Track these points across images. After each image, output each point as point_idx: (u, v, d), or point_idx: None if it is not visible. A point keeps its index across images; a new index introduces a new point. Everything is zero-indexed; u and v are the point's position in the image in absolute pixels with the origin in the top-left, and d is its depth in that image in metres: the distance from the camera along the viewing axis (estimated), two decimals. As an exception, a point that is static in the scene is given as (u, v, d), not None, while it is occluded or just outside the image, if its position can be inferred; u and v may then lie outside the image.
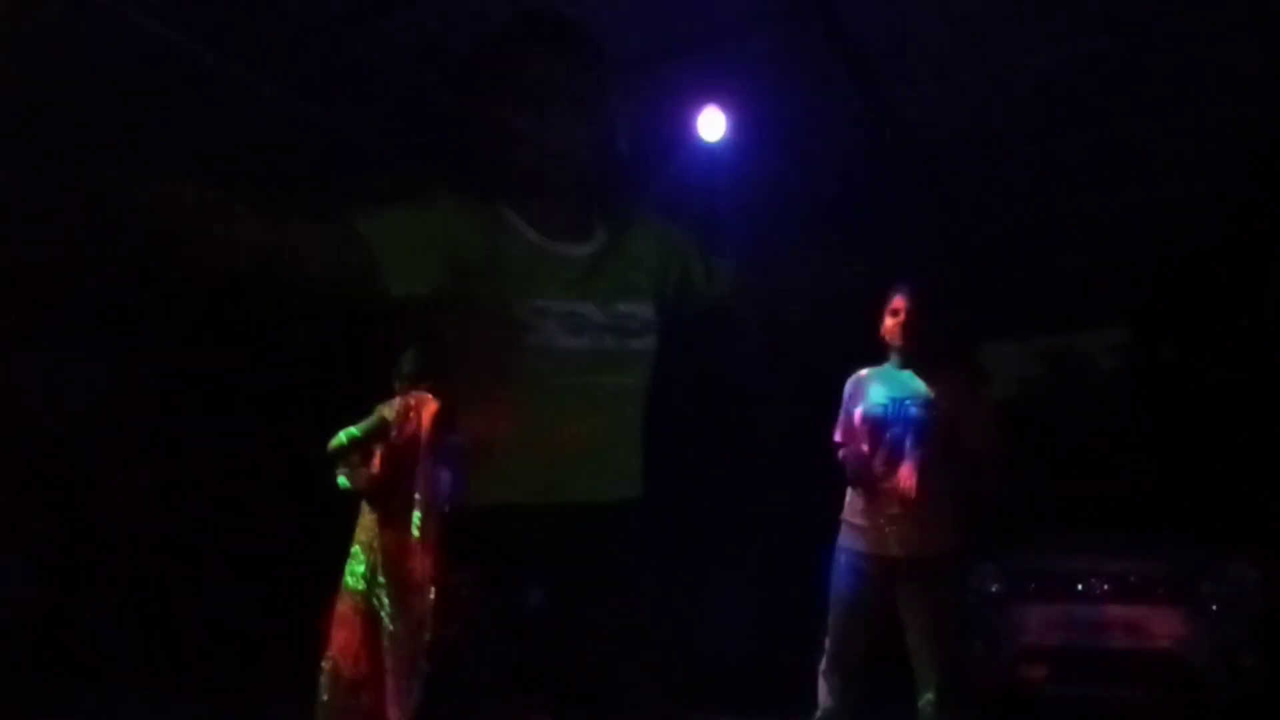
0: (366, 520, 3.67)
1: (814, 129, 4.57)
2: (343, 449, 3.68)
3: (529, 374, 1.39)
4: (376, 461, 3.68)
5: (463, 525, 1.49)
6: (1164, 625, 4.42)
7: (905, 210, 5.52)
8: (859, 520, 3.23)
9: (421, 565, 3.50)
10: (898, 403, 3.23)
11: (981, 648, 4.71)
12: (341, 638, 3.51)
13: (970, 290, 6.49)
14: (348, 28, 3.93)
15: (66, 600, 5.37)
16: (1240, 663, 4.31)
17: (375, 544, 3.57)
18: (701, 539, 6.11)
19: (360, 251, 1.43)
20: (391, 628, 3.44)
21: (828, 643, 3.20)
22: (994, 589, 4.82)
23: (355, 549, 3.63)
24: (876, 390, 3.31)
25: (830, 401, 3.49)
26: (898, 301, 3.35)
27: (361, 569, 3.57)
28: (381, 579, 3.52)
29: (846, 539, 3.25)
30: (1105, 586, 4.57)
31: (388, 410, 3.70)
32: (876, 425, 3.24)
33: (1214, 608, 4.43)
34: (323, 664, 3.49)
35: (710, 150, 4.23)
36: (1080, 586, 4.61)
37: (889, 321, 3.35)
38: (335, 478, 3.77)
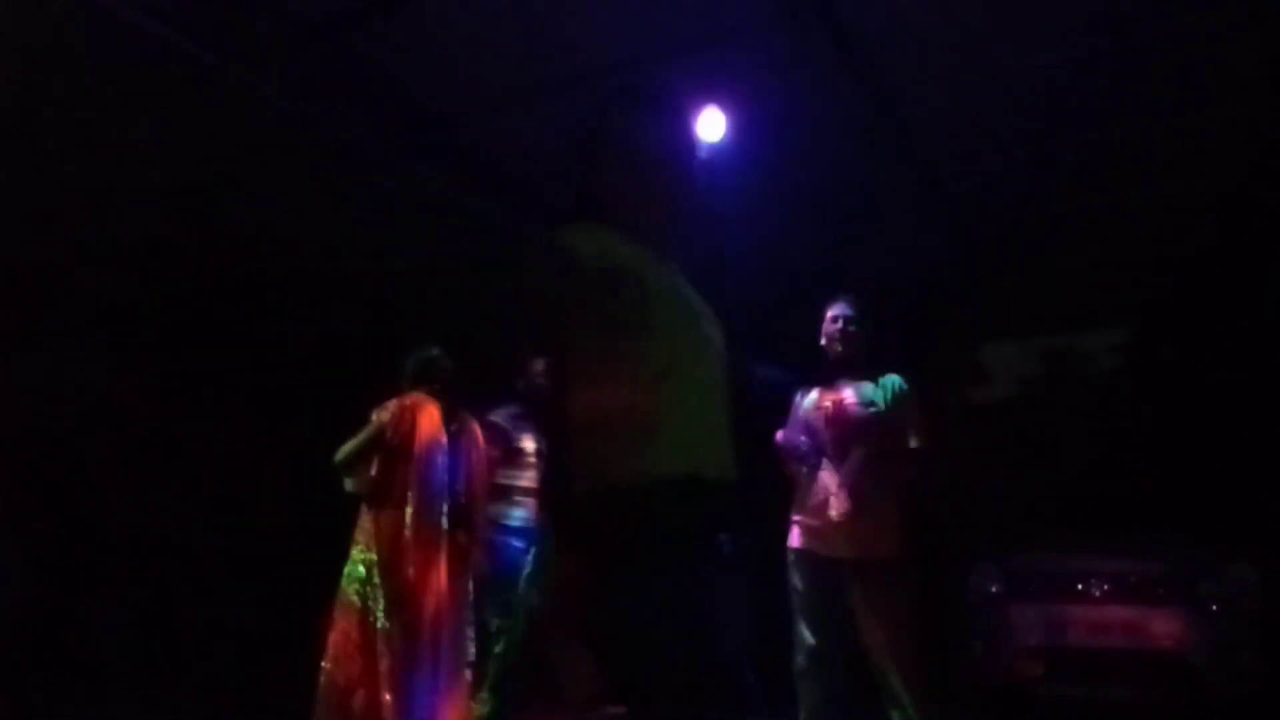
0: (365, 521, 3.67)
1: (814, 129, 4.56)
2: (348, 461, 3.69)
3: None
4: (374, 464, 3.69)
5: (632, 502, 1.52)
6: (1164, 625, 4.43)
7: (905, 210, 5.52)
8: (807, 520, 3.27)
9: (416, 565, 3.50)
10: (837, 406, 3.34)
11: (981, 648, 4.72)
12: (335, 640, 3.51)
13: (969, 290, 6.50)
14: (348, 28, 3.93)
15: (66, 600, 5.37)
16: (1240, 663, 4.32)
17: (371, 545, 3.58)
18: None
19: None
20: (387, 628, 3.44)
21: (795, 643, 3.22)
22: (994, 589, 4.82)
23: (353, 550, 3.64)
24: (817, 396, 3.40)
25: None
26: (836, 309, 3.46)
27: (359, 570, 3.57)
28: (376, 580, 3.52)
29: (796, 539, 3.30)
30: (1105, 586, 4.58)
31: (383, 413, 3.70)
32: (816, 428, 3.33)
33: (1214, 608, 4.43)
34: (322, 664, 3.50)
35: (710, 150, 4.23)
36: (1080, 586, 4.61)
37: (829, 329, 3.45)
38: (343, 482, 3.79)
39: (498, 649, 3.86)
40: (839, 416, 3.30)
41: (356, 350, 5.49)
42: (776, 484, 3.41)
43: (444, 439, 3.73)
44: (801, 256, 5.63)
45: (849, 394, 3.35)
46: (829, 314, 3.47)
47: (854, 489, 3.17)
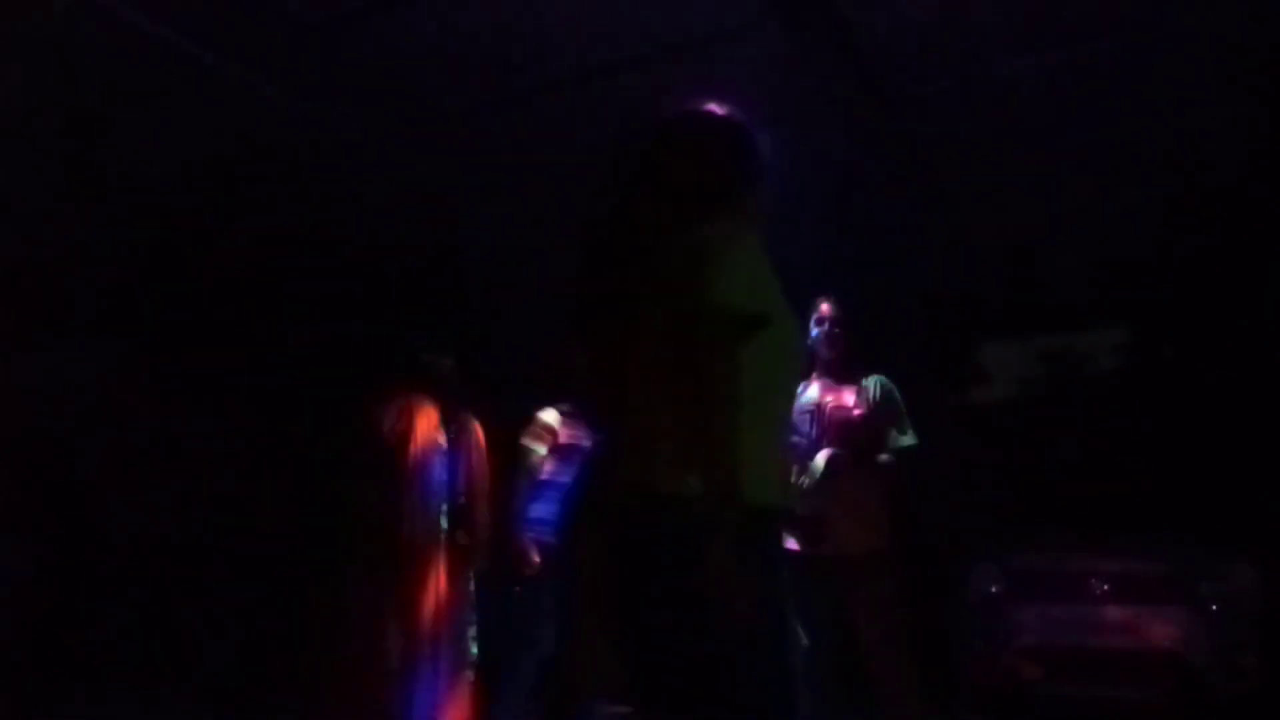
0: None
1: (814, 129, 4.56)
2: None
3: None
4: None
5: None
6: (1164, 625, 4.43)
7: (905, 210, 5.52)
8: (795, 520, 3.28)
9: (413, 568, 3.50)
10: (821, 407, 3.37)
11: (981, 648, 4.71)
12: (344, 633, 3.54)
13: (969, 289, 6.50)
14: (348, 28, 3.93)
15: (66, 600, 5.37)
16: (1240, 663, 4.32)
17: (373, 544, 3.58)
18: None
19: None
20: (388, 629, 3.45)
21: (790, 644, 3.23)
22: (994, 589, 4.82)
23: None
24: (808, 397, 3.41)
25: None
26: (823, 310, 3.49)
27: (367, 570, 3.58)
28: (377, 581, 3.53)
29: (789, 540, 3.30)
30: (1105, 586, 4.57)
31: (386, 415, 3.70)
32: (805, 429, 3.35)
33: (1214, 608, 4.43)
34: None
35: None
36: (1080, 586, 4.61)
37: (814, 331, 3.48)
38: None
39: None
40: (829, 418, 3.33)
41: (356, 350, 5.49)
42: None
43: (441, 440, 3.72)
44: (801, 257, 5.62)
45: (836, 395, 3.39)
46: (813, 316, 3.51)
47: (841, 487, 3.20)
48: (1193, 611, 4.43)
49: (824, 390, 3.43)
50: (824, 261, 5.50)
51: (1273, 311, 6.03)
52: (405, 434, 3.63)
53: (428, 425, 3.68)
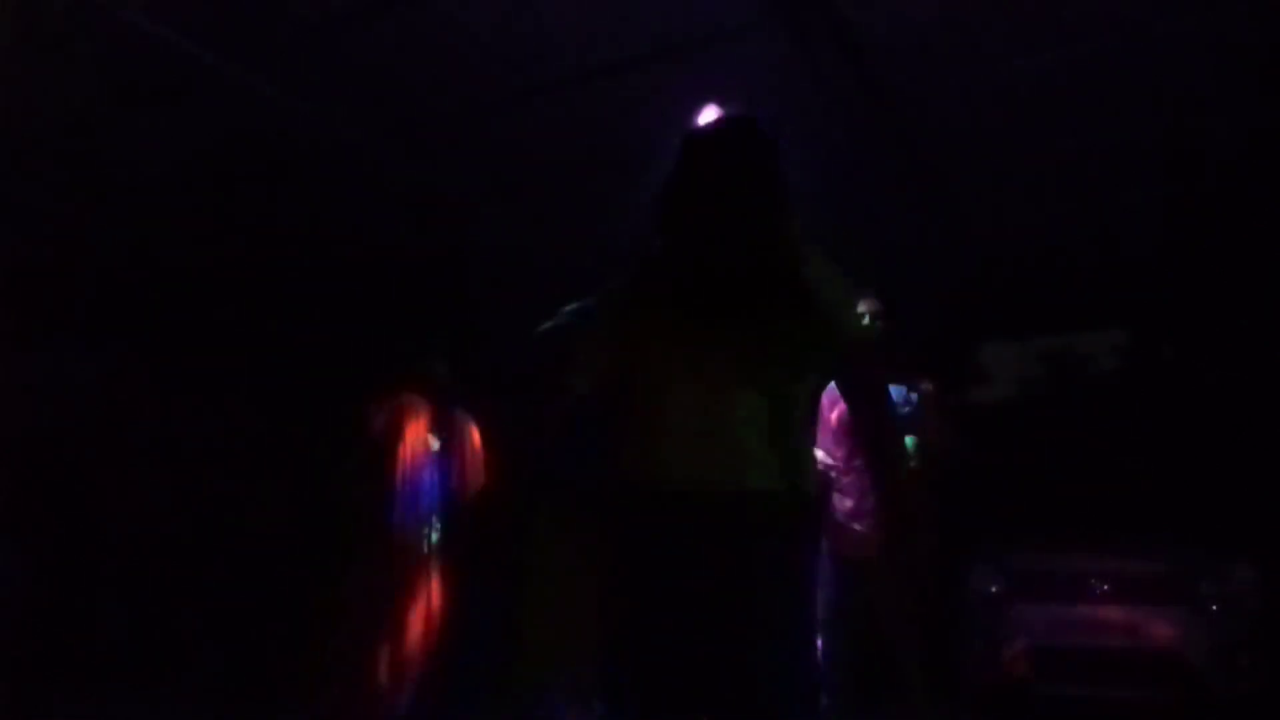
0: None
1: (814, 129, 4.56)
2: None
3: None
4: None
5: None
6: (1164, 625, 4.43)
7: (906, 210, 5.52)
8: (839, 524, 3.25)
9: (399, 587, 3.47)
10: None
11: (981, 648, 4.71)
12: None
13: (969, 289, 6.50)
14: (348, 28, 3.93)
15: (66, 600, 5.37)
16: (1240, 663, 4.31)
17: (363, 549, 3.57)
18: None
19: None
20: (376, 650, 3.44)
21: (819, 644, 3.20)
22: (994, 589, 4.82)
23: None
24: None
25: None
26: (863, 307, 3.36)
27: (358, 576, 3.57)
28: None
29: (828, 542, 3.28)
30: (1105, 586, 4.57)
31: (375, 418, 3.68)
32: (843, 434, 3.30)
33: (1214, 608, 4.43)
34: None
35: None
36: (1080, 586, 4.61)
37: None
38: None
39: None
40: None
41: (356, 350, 5.48)
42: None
43: (433, 444, 3.67)
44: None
45: None
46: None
47: (866, 488, 3.15)
48: (1193, 611, 4.43)
49: None
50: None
51: (1273, 312, 6.03)
52: (393, 438, 3.60)
53: (417, 428, 3.64)
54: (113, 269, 5.41)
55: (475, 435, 3.86)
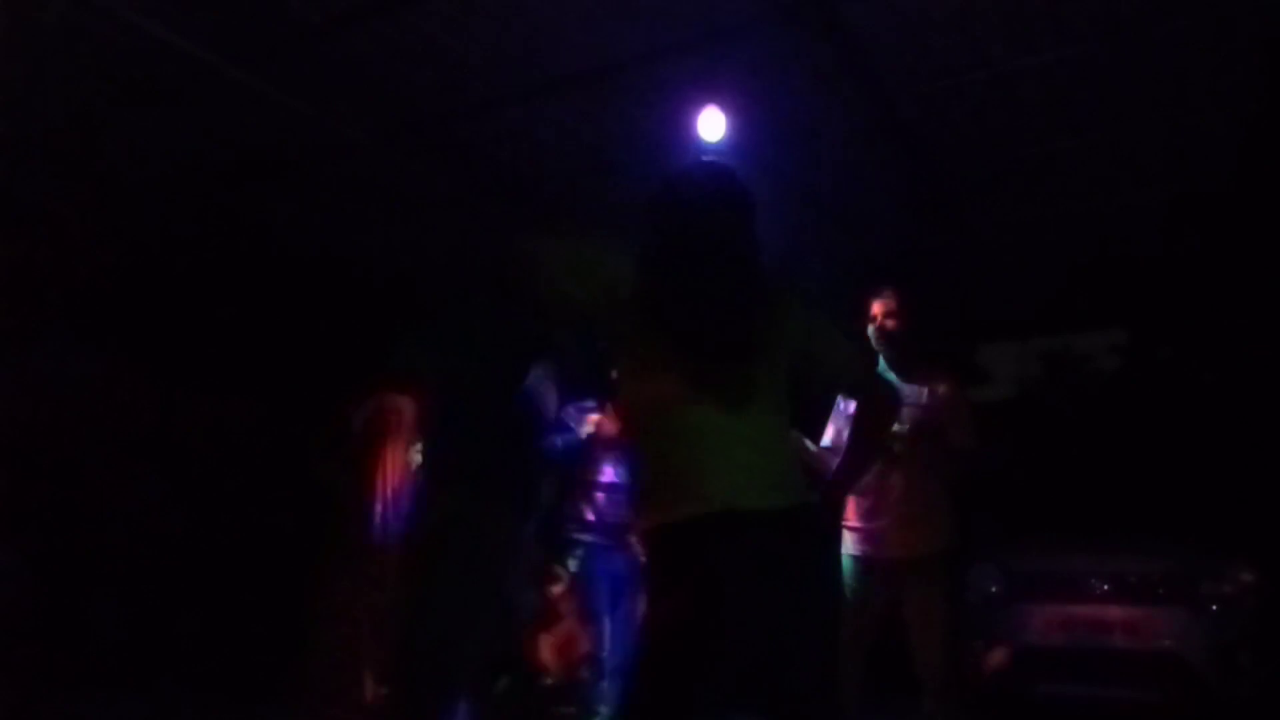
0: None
1: (814, 129, 4.57)
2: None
3: None
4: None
5: None
6: (1164, 625, 4.42)
7: (905, 210, 5.52)
8: (857, 523, 3.23)
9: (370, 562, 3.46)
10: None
11: (981, 648, 4.71)
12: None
13: (969, 290, 6.49)
14: (348, 28, 3.93)
15: (66, 600, 5.37)
16: (1239, 663, 4.31)
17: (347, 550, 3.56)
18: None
19: None
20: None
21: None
22: (994, 589, 4.82)
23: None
24: None
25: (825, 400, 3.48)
26: (877, 307, 3.35)
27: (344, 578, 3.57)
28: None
29: (846, 542, 3.25)
30: (1105, 586, 4.57)
31: (356, 416, 3.66)
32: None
33: (1213, 608, 4.43)
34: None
35: (710, 150, 4.23)
36: (1080, 586, 4.61)
37: (870, 327, 3.35)
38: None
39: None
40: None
41: (357, 350, 5.48)
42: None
43: (415, 443, 3.64)
44: (801, 257, 5.63)
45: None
46: (870, 309, 3.36)
47: (908, 490, 3.13)
48: (1193, 611, 4.43)
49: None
50: (823, 261, 5.51)
51: (1272, 312, 6.03)
52: (373, 436, 3.58)
53: (399, 427, 3.61)
54: (113, 269, 5.41)
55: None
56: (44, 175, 4.79)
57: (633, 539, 3.66)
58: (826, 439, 3.42)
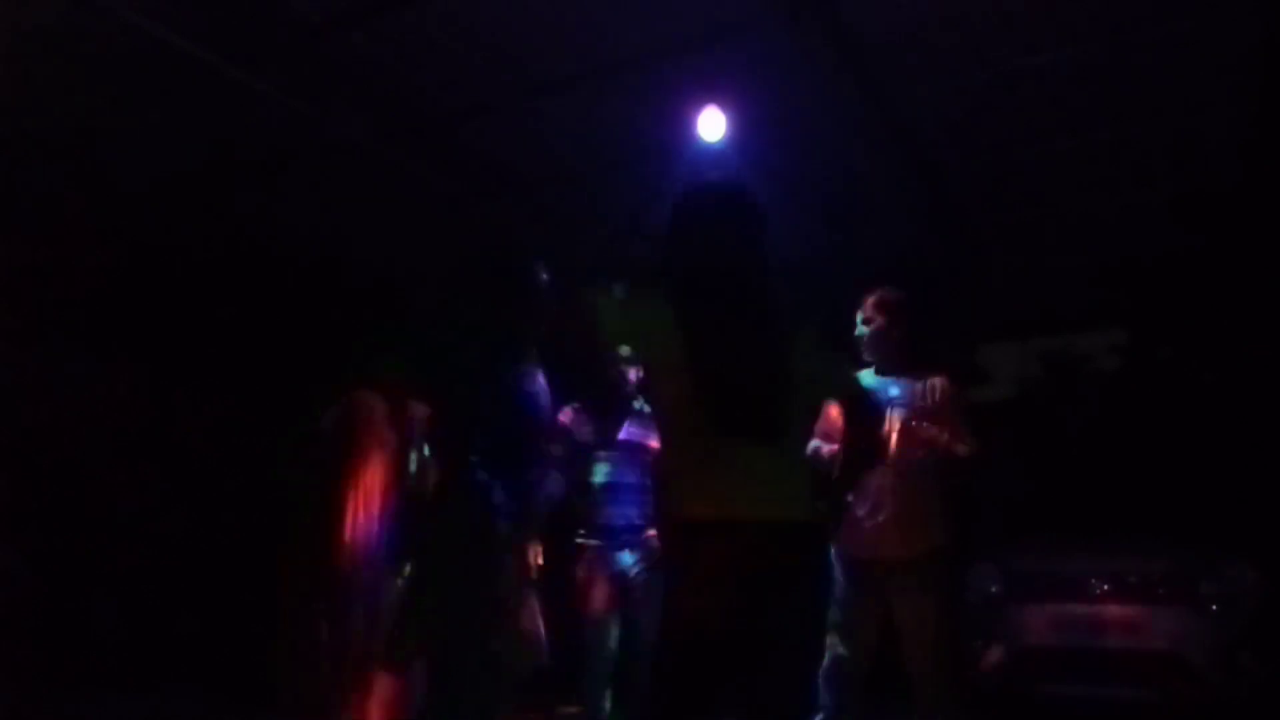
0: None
1: (814, 129, 4.57)
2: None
3: None
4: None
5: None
6: (1163, 625, 4.42)
7: (906, 211, 5.52)
8: (851, 524, 3.22)
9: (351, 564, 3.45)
10: (879, 407, 3.18)
11: (981, 648, 4.71)
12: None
13: (969, 290, 6.49)
14: (348, 28, 3.93)
15: (66, 600, 5.37)
16: (1239, 663, 4.31)
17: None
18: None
19: None
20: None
21: (827, 645, 3.19)
22: (994, 589, 4.81)
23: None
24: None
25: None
26: (869, 311, 3.34)
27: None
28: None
29: (840, 543, 3.25)
30: (1105, 586, 4.57)
31: (326, 416, 3.66)
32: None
33: (1213, 608, 4.43)
34: None
35: (710, 150, 4.23)
36: (1080, 586, 4.61)
37: (863, 330, 3.34)
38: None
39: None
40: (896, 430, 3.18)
41: (356, 350, 5.48)
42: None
43: (389, 440, 3.62)
44: (801, 257, 5.63)
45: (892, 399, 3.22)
46: (862, 313, 3.35)
47: (901, 491, 3.13)
48: (1193, 611, 4.43)
49: (884, 388, 3.24)
50: (823, 261, 5.51)
51: (1272, 312, 6.03)
52: (343, 435, 3.57)
53: (368, 424, 3.60)
54: (112, 269, 5.41)
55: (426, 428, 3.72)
56: (44, 175, 4.78)
57: (645, 538, 3.65)
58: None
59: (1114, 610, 4.51)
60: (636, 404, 3.68)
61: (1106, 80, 4.21)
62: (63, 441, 5.43)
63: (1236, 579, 4.50)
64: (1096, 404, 7.12)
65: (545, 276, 3.18)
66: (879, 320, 3.31)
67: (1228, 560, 4.57)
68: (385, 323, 4.90)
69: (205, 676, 5.21)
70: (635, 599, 3.57)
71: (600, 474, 3.70)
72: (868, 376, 3.30)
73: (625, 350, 3.44)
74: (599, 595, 3.61)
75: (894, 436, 3.16)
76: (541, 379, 3.34)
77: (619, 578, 3.62)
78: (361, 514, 3.46)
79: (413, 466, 3.62)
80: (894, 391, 3.25)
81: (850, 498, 3.23)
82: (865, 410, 3.12)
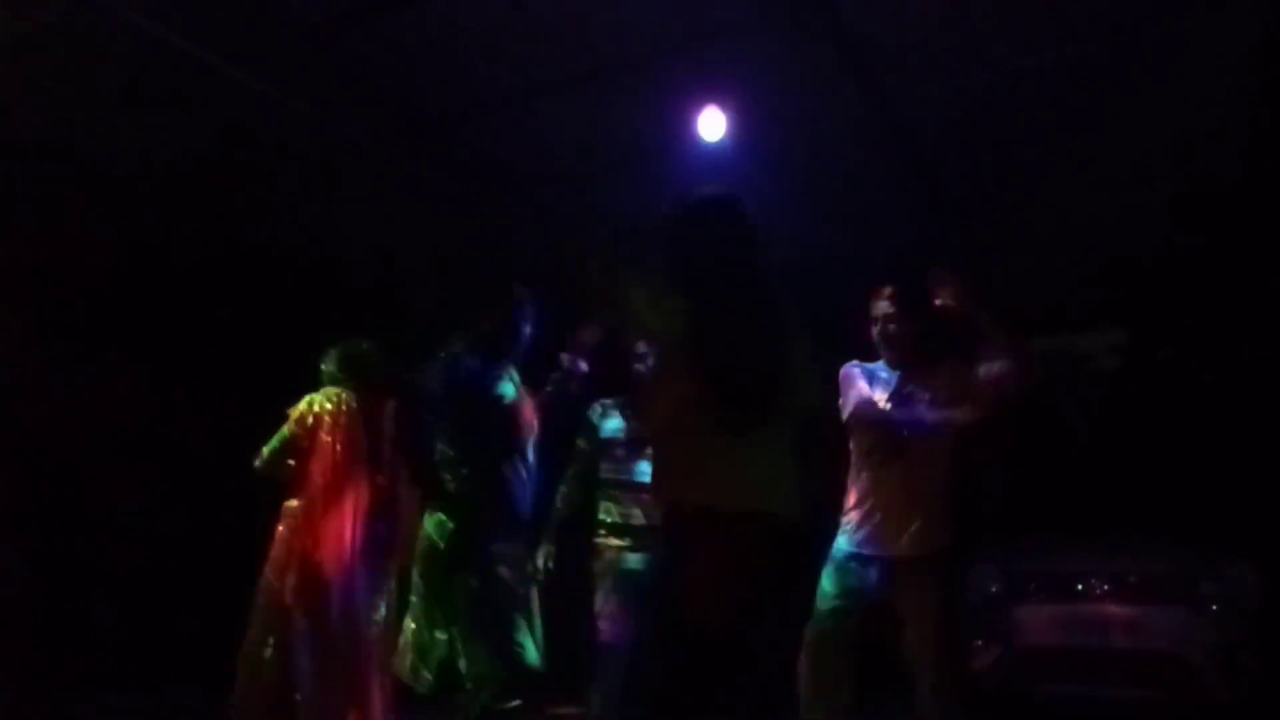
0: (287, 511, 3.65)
1: (814, 129, 4.57)
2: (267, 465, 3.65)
3: None
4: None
5: None
6: (1164, 625, 4.43)
7: (905, 211, 5.52)
8: (854, 520, 3.20)
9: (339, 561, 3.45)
10: (895, 404, 3.19)
11: (981, 648, 4.71)
12: (251, 632, 3.53)
13: (969, 289, 6.48)
14: (348, 28, 3.93)
15: (66, 600, 5.37)
16: (1240, 663, 4.31)
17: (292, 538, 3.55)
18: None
19: None
20: (301, 626, 3.42)
21: (808, 635, 3.08)
22: (994, 589, 4.82)
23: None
24: (875, 389, 3.25)
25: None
26: (878, 308, 3.31)
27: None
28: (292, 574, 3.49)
29: (844, 538, 3.22)
30: (1105, 586, 4.58)
31: (296, 411, 3.67)
32: (874, 425, 3.20)
33: (1214, 608, 4.43)
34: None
35: (710, 150, 4.22)
36: (1080, 586, 4.61)
37: (874, 328, 3.31)
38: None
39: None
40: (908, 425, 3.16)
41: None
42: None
43: (360, 434, 3.62)
44: (801, 257, 5.63)
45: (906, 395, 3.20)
46: (871, 309, 3.30)
47: (906, 488, 3.10)
48: (1193, 611, 4.43)
49: (898, 385, 3.21)
50: (823, 260, 5.51)
51: (1272, 312, 6.03)
52: (315, 428, 3.58)
53: (337, 417, 3.60)
54: (113, 269, 5.41)
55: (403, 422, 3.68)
56: (44, 175, 4.78)
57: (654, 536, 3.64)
58: None
59: (1114, 610, 4.51)
60: None
61: (1106, 80, 4.20)
62: (63, 441, 5.43)
63: (1236, 579, 4.51)
64: (1096, 404, 7.12)
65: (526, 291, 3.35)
66: (894, 320, 3.27)
67: (1228, 560, 4.57)
68: (370, 322, 4.90)
69: (205, 676, 5.21)
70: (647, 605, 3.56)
71: (639, 473, 3.67)
72: (881, 370, 3.30)
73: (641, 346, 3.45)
74: (614, 628, 3.60)
75: (906, 432, 3.14)
76: (515, 377, 3.36)
77: (634, 587, 3.60)
78: (333, 517, 3.47)
79: (386, 465, 3.65)
80: (907, 385, 3.22)
81: (857, 495, 3.22)
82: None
